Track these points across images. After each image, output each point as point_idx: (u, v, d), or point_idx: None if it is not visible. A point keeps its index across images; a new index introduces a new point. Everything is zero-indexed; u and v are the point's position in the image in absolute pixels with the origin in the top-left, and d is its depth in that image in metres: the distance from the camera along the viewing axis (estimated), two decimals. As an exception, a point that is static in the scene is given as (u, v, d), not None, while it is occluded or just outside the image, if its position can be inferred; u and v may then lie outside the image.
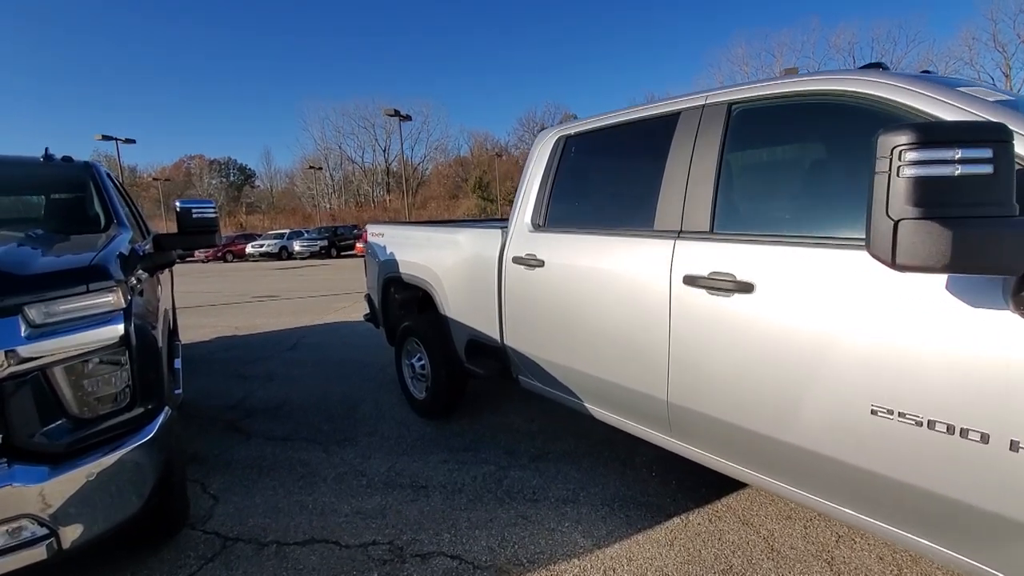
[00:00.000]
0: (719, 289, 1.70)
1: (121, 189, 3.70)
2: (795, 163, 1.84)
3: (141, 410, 1.92)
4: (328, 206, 69.22)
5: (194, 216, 3.11)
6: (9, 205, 3.19)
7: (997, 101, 1.35)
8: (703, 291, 1.75)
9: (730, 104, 1.88)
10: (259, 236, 30.57)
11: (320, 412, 3.86)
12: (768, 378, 1.59)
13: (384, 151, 65.92)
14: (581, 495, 2.61)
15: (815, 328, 1.48)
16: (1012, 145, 1.02)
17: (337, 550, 2.26)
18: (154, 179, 67.03)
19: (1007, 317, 1.14)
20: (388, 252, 3.80)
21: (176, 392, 3.26)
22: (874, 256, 1.08)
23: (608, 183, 2.35)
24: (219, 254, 27.14)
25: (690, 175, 1.90)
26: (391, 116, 24.36)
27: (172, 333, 4.67)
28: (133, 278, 2.19)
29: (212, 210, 3.25)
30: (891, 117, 1.45)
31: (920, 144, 1.02)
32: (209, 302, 10.52)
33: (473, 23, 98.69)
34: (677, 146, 1.98)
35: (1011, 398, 1.15)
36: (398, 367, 3.90)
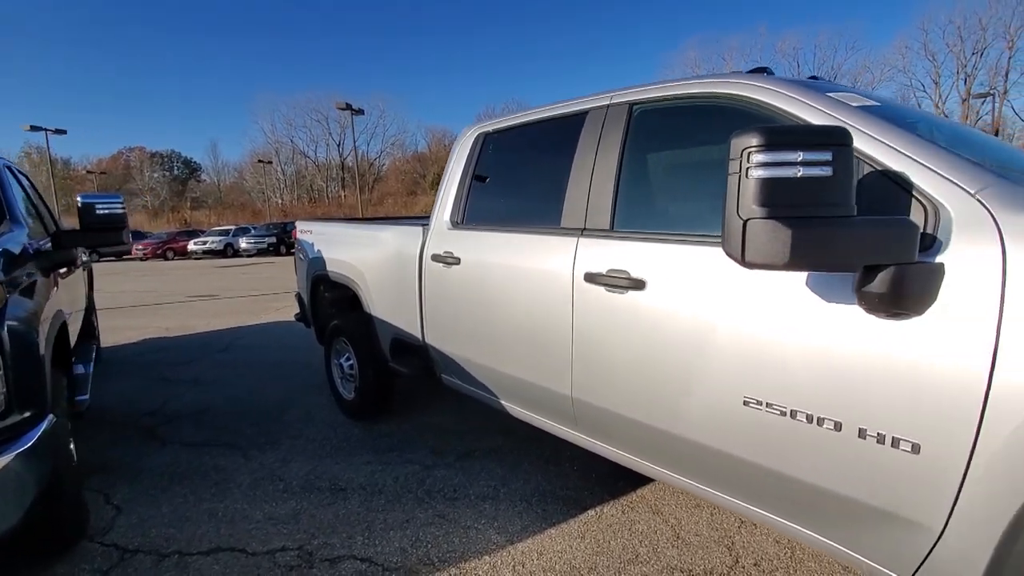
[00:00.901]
0: (615, 286, 1.74)
1: (27, 185, 3.44)
2: (685, 163, 1.89)
3: (18, 418, 1.79)
4: (279, 201, 67.03)
5: (99, 212, 2.94)
6: None
7: (860, 107, 1.42)
8: (602, 288, 1.78)
9: (631, 104, 1.91)
10: (203, 232, 29.24)
11: (245, 416, 3.72)
12: (658, 373, 1.63)
13: (338, 146, 64.28)
14: (502, 491, 2.62)
15: (696, 323, 1.53)
16: (851, 149, 1.08)
17: (243, 558, 2.18)
18: (88, 172, 63.03)
19: (854, 311, 1.21)
20: (316, 250, 3.70)
21: (80, 399, 3.08)
22: (728, 254, 1.12)
23: (522, 181, 2.36)
24: (159, 251, 25.82)
25: (594, 174, 1.93)
26: (343, 110, 23.78)
27: (85, 335, 4.42)
28: (16, 278, 2.04)
29: (119, 205, 3.08)
30: (768, 119, 1.51)
31: (766, 146, 1.06)
32: (141, 302, 9.99)
33: (432, 17, 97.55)
34: (583, 145, 2.00)
35: (858, 388, 1.22)
36: (327, 367, 3.81)
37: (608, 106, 1.98)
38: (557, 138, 2.15)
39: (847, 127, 1.35)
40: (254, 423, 3.59)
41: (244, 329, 6.90)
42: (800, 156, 1.05)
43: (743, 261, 1.09)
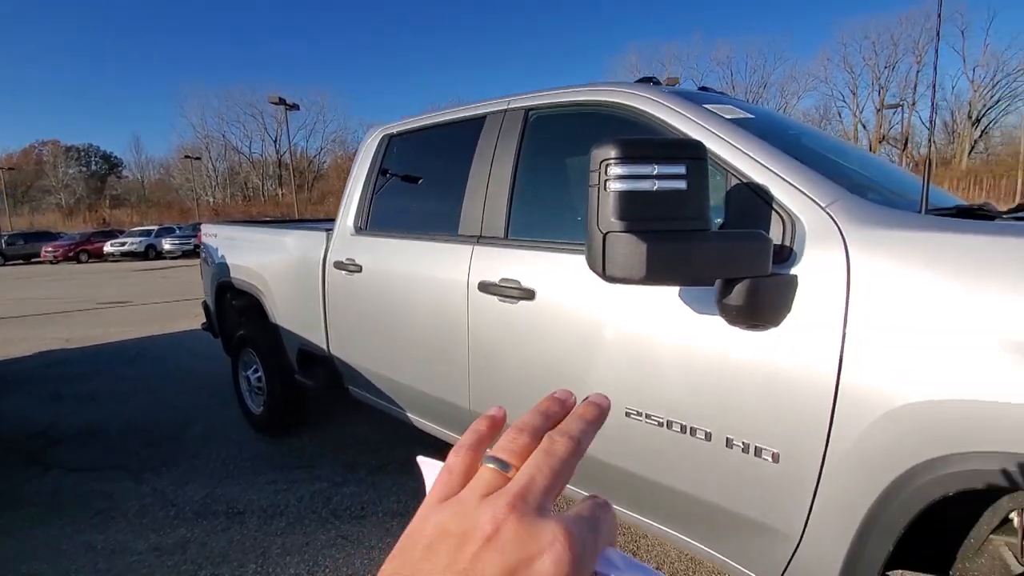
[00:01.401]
0: (507, 296, 1.70)
1: None
2: (574, 171, 1.88)
3: None
4: (211, 200, 63.59)
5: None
6: None
7: (733, 119, 1.45)
8: (495, 298, 1.74)
9: (527, 110, 1.88)
10: (122, 233, 27.20)
11: (142, 435, 3.44)
12: (549, 386, 1.60)
13: (275, 142, 61.69)
14: (413, 506, 2.52)
15: (581, 334, 1.51)
16: (704, 163, 1.07)
17: (117, 597, 1.99)
18: (-10, 166, 57.41)
19: (719, 323, 1.22)
20: (220, 255, 3.47)
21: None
22: (591, 268, 1.09)
23: (424, 186, 2.28)
24: (71, 254, 23.80)
25: (490, 180, 1.88)
26: (276, 104, 22.77)
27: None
28: None
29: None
30: (648, 128, 1.51)
31: (622, 159, 1.04)
32: (43, 310, 9.14)
33: (376, 14, 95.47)
34: (481, 150, 1.95)
35: (724, 398, 1.23)
36: (234, 380, 3.58)
37: (506, 111, 1.94)
38: (459, 142, 2.09)
39: (717, 138, 1.37)
40: (151, 443, 3.32)
41: (155, 339, 6.44)
42: (655, 169, 1.04)
43: (604, 275, 1.07)
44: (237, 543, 2.27)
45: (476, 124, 2.03)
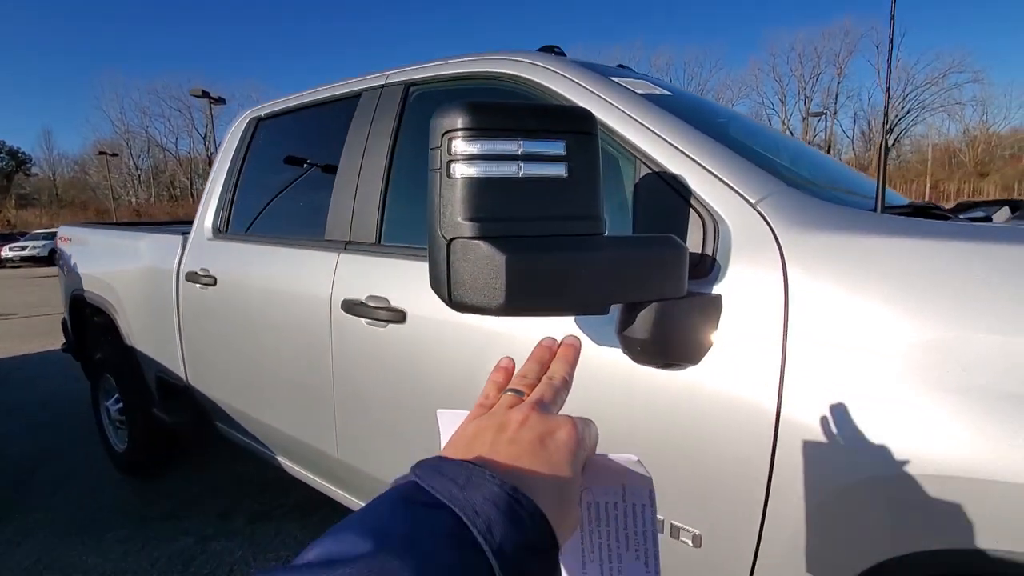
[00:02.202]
0: (375, 319, 1.33)
1: None
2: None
3: None
4: (133, 200, 59.27)
5: None
6: None
7: (645, 94, 1.15)
8: (362, 320, 1.37)
9: (408, 85, 1.52)
10: (24, 236, 24.61)
11: (-26, 483, 2.81)
12: (427, 430, 1.25)
13: (204, 138, 58.10)
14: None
15: (461, 370, 1.17)
16: (595, 139, 0.76)
17: None
18: None
19: (622, 360, 0.91)
20: (73, 263, 2.90)
21: None
22: (434, 290, 0.75)
23: (291, 178, 1.88)
24: (-41, 259, 21.24)
25: (362, 172, 1.51)
26: (199, 97, 21.20)
27: None
28: None
29: None
30: (544, 107, 1.19)
31: (473, 130, 0.70)
32: (-99, 325, 7.88)
33: (311, 4, 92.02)
34: (353, 135, 1.58)
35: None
36: (95, 410, 3.02)
37: (383, 87, 1.58)
38: (331, 126, 1.71)
39: (623, 116, 1.06)
40: (-15, 493, 2.71)
41: (33, 357, 5.61)
42: (521, 146, 0.71)
43: (448, 300, 0.73)
44: (54, 632, 1.78)
45: (350, 104, 1.65)
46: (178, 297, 2.06)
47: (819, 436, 0.76)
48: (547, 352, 0.45)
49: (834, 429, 0.75)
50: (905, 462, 0.70)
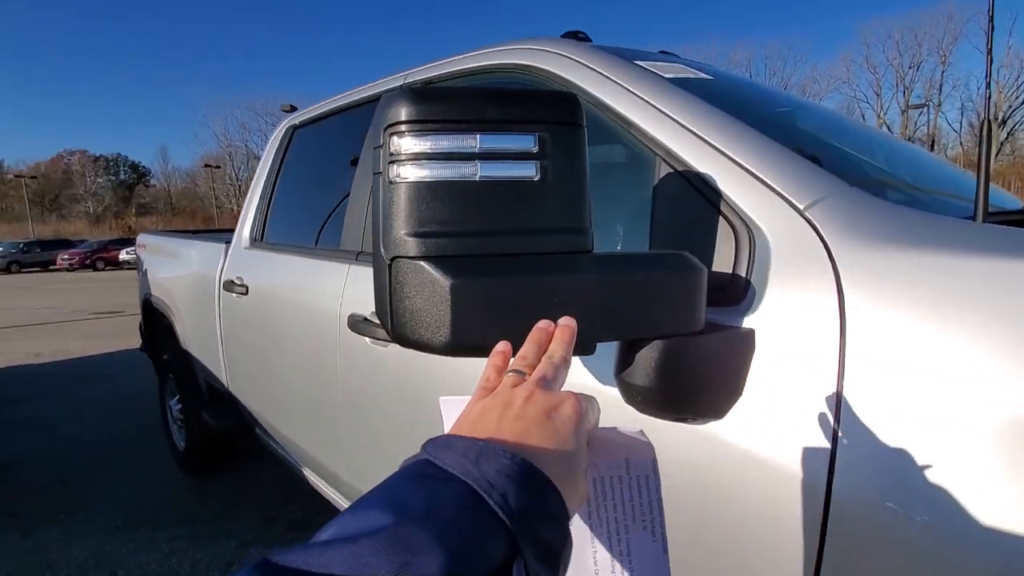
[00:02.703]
0: (377, 338, 1.23)
1: None
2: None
3: None
4: (234, 207, 64.71)
5: None
6: None
7: (674, 78, 0.96)
8: (366, 340, 1.27)
9: (426, 84, 1.42)
10: (139, 241, 27.44)
11: (58, 472, 3.05)
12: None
13: (294, 151, 62.34)
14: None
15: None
16: (578, 130, 0.60)
17: None
18: (17, 175, 59.16)
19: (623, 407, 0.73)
20: (145, 268, 3.09)
21: None
22: (379, 319, 0.62)
23: (317, 186, 1.83)
24: (87, 261, 24.11)
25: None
26: (287, 112, 22.64)
27: None
28: None
29: None
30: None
31: (419, 124, 0.57)
32: (33, 320, 8.98)
33: (398, 14, 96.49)
34: (371, 139, 1.50)
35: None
36: (162, 409, 3.18)
37: (402, 88, 1.48)
38: (355, 131, 1.65)
39: (645, 106, 0.89)
40: (63, 482, 2.93)
41: (127, 354, 6.12)
42: (477, 142, 0.57)
43: (391, 334, 0.60)
44: (95, 629, 1.84)
45: (371, 108, 1.57)
46: (219, 304, 2.09)
47: (887, 528, 0.55)
48: (544, 334, 0.46)
49: (917, 517, 0.54)
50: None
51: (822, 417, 0.60)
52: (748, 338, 0.66)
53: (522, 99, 0.59)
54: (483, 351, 0.57)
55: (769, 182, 0.71)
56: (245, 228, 2.06)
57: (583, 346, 0.60)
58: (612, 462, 0.40)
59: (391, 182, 0.58)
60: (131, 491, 2.81)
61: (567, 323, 0.46)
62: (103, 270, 24.07)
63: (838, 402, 0.59)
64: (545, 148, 0.58)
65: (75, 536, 2.41)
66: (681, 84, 0.94)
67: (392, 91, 0.59)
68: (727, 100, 0.95)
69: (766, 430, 0.64)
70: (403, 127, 0.57)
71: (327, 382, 1.42)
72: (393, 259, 0.58)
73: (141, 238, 3.40)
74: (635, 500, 0.40)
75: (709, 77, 1.07)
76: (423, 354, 0.61)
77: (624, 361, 0.65)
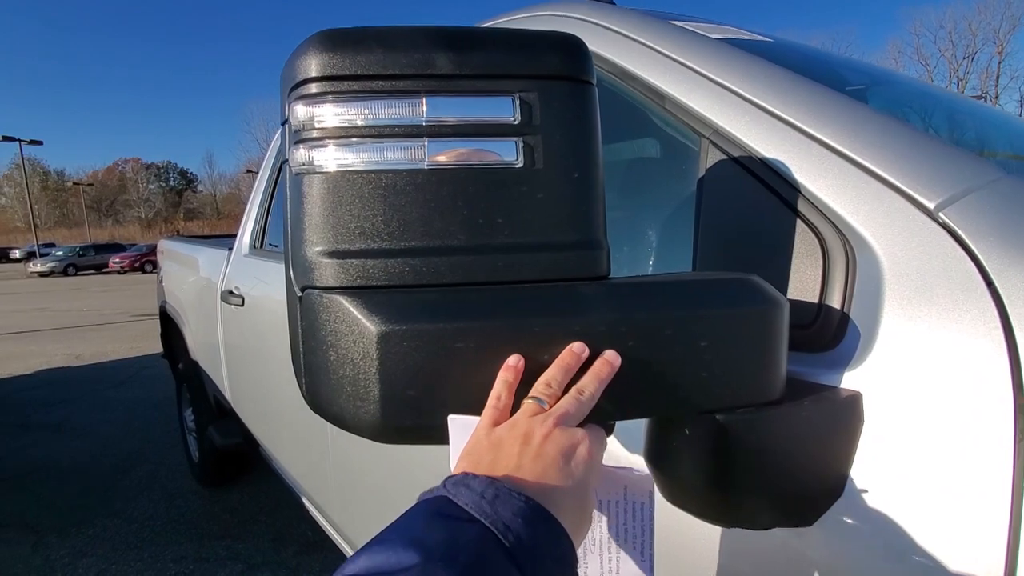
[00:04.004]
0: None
1: None
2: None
3: None
4: (273, 212, 66.87)
5: None
6: None
7: (724, 39, 0.74)
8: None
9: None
10: (185, 244, 28.54)
11: (81, 479, 3.02)
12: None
13: (332, 155, 63.85)
14: (328, 613, 1.91)
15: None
16: (586, 92, 0.39)
17: None
18: (75, 183, 62.67)
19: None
20: (161, 275, 3.02)
21: None
22: (296, 376, 0.43)
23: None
24: (137, 264, 25.19)
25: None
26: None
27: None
28: None
29: None
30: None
31: (335, 81, 0.37)
32: (78, 322, 9.31)
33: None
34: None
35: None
36: (180, 418, 3.11)
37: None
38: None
39: (688, 73, 0.66)
40: (81, 491, 2.89)
41: (161, 358, 6.21)
42: (423, 109, 0.37)
43: (305, 396, 0.40)
44: (87, 662, 1.73)
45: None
46: (220, 315, 1.96)
47: None
48: (575, 360, 0.40)
49: None
50: None
51: (986, 524, 0.37)
52: (852, 406, 0.43)
53: (495, 42, 0.38)
54: (429, 437, 0.37)
55: (877, 170, 0.48)
56: (246, 234, 1.92)
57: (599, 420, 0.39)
58: (611, 487, 0.41)
59: (297, 173, 0.38)
60: (145, 503, 2.74)
61: (611, 359, 0.39)
62: (150, 272, 25.07)
63: (1018, 504, 0.36)
64: (531, 116, 0.37)
65: (83, 553, 2.33)
66: (734, 45, 0.72)
67: (304, 41, 0.39)
68: (798, 65, 0.72)
69: (884, 546, 0.41)
70: (314, 87, 0.37)
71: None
72: (304, 289, 0.39)
73: (161, 244, 3.35)
74: (629, 524, 0.40)
75: (768, 39, 0.83)
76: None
77: (659, 442, 0.43)
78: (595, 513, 0.40)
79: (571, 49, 0.39)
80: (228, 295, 1.82)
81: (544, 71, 0.38)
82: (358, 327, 0.35)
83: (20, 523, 2.61)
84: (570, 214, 0.37)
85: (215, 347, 2.08)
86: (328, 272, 0.37)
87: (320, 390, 0.38)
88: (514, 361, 0.41)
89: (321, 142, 0.37)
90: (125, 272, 25.04)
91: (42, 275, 24.88)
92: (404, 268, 0.36)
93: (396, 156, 0.37)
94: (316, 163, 0.38)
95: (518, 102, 0.37)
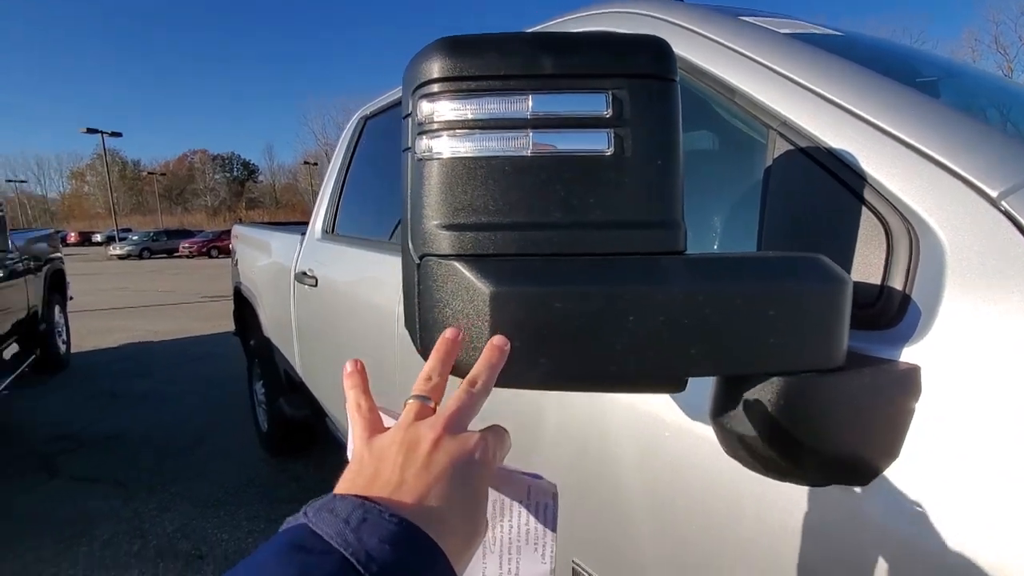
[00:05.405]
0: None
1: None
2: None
3: None
4: (328, 202, 69.35)
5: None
6: None
7: (792, 33, 0.76)
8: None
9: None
10: (247, 232, 30.16)
11: (160, 446, 3.31)
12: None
13: (384, 147, 65.47)
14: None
15: (522, 420, 0.90)
16: (670, 86, 0.44)
17: (25, 659, 1.72)
18: (149, 173, 66.87)
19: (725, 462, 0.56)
20: (236, 258, 3.25)
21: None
22: (408, 330, 0.50)
23: (386, 177, 1.77)
24: (203, 249, 26.76)
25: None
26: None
27: (24, 343, 4.17)
28: None
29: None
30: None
31: (456, 82, 0.44)
32: (154, 302, 10.03)
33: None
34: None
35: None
36: (250, 391, 3.35)
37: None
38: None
39: (756, 68, 0.70)
40: (163, 455, 3.17)
41: (231, 336, 6.64)
42: (528, 106, 0.43)
43: (418, 349, 0.48)
44: (175, 603, 1.94)
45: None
46: (293, 295, 2.12)
47: None
48: (452, 347, 0.40)
49: None
50: None
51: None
52: (910, 378, 0.46)
53: (590, 45, 0.44)
54: (531, 382, 0.43)
55: (941, 159, 0.51)
56: (318, 220, 2.06)
57: (669, 379, 0.44)
58: (514, 489, 0.40)
59: (420, 159, 0.45)
60: (220, 468, 2.97)
61: (499, 344, 0.39)
62: (216, 257, 26.61)
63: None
64: (622, 111, 0.43)
65: (166, 508, 2.57)
66: (803, 39, 0.74)
67: (428, 45, 0.46)
68: (866, 58, 0.74)
69: (934, 509, 0.45)
70: (435, 87, 0.44)
71: (385, 380, 1.35)
72: (422, 257, 0.46)
73: (235, 229, 3.59)
74: (530, 524, 0.40)
75: (838, 32, 0.85)
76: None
77: (725, 400, 0.48)
78: (497, 512, 0.39)
79: (658, 50, 0.44)
80: (302, 276, 1.96)
81: (634, 70, 0.43)
82: (472, 288, 0.42)
83: (112, 480, 2.90)
84: (653, 197, 0.43)
85: (287, 325, 2.24)
86: (444, 242, 0.44)
87: (434, 342, 0.45)
88: (351, 367, 0.42)
89: (440, 133, 0.44)
90: (193, 256, 26.68)
91: (120, 258, 26.87)
92: (509, 239, 0.43)
93: (504, 145, 0.44)
94: (436, 151, 0.45)
95: (611, 98, 0.43)
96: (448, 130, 0.44)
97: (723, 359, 0.42)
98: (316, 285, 1.85)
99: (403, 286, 0.49)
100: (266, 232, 2.77)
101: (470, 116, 0.44)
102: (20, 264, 4.09)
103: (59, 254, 5.40)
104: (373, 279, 1.46)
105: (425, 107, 0.45)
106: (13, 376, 3.59)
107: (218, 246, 27.45)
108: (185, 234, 31.28)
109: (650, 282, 0.41)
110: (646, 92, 0.43)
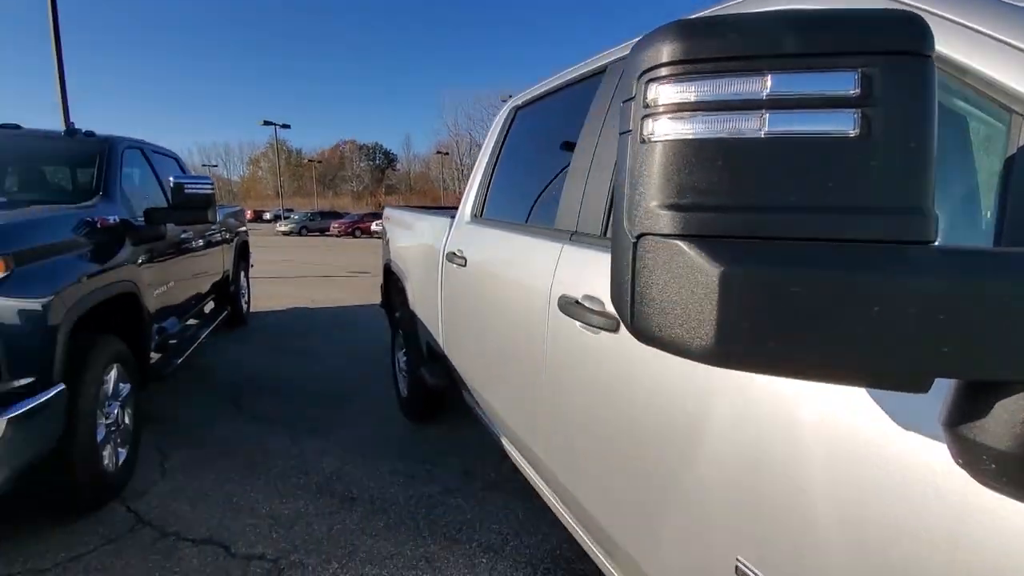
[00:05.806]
0: (588, 323, 1.15)
1: (149, 165, 3.83)
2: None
3: (12, 385, 1.86)
4: (456, 189, 72.72)
5: (186, 192, 3.12)
6: (27, 174, 3.46)
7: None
8: (576, 323, 1.21)
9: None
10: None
11: (318, 397, 3.79)
12: (638, 460, 1.03)
13: (512, 136, 67.08)
14: (510, 545, 2.15)
15: (682, 396, 0.90)
16: (925, 67, 0.41)
17: (222, 557, 2.10)
18: (309, 160, 75.29)
19: (951, 473, 0.51)
20: (387, 238, 3.58)
21: (174, 360, 3.39)
22: (615, 307, 0.53)
23: (535, 166, 1.82)
24: (349, 230, 29.65)
25: (596, 153, 1.34)
26: (506, 101, 24.28)
27: (218, 303, 4.98)
28: (46, 249, 2.07)
29: (207, 186, 3.24)
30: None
31: (688, 64, 0.45)
32: (310, 273, 11.36)
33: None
34: (592, 115, 1.42)
35: None
36: (392, 359, 3.68)
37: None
38: (575, 108, 1.58)
39: (1000, 45, 0.62)
40: (320, 406, 3.62)
41: (375, 308, 7.32)
42: (767, 85, 0.43)
43: (631, 326, 0.50)
44: (334, 534, 2.22)
45: (594, 82, 1.49)
46: (441, 273, 2.28)
47: None
48: None
49: None
50: None
51: None
52: None
53: (840, 22, 0.42)
54: (756, 365, 0.43)
55: None
56: (468, 204, 2.19)
57: (913, 378, 0.42)
58: None
59: (643, 140, 0.47)
60: (367, 423, 3.33)
61: None
62: (359, 237, 29.41)
63: None
64: (872, 90, 0.41)
65: (325, 452, 2.94)
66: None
67: (655, 30, 0.47)
68: None
69: None
70: (664, 71, 0.46)
71: (532, 361, 1.41)
72: (640, 236, 0.48)
73: (386, 211, 3.94)
74: None
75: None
76: (644, 347, 0.50)
77: (966, 407, 0.44)
78: None
79: (915, 25, 0.41)
80: (452, 256, 2.11)
81: (888, 47, 0.41)
82: (699, 267, 0.43)
83: (282, 421, 3.38)
84: (903, 181, 0.41)
85: (433, 300, 2.42)
86: (665, 222, 0.46)
87: (650, 319, 0.47)
88: None
89: (666, 115, 0.46)
90: (340, 236, 29.70)
91: (284, 234, 30.83)
92: (738, 221, 0.43)
93: (736, 127, 0.44)
94: (662, 133, 0.46)
95: (859, 76, 0.41)
96: (676, 112, 0.46)
97: (979, 361, 0.39)
98: (465, 264, 1.98)
99: (613, 264, 0.52)
100: (416, 215, 3.00)
101: (700, 98, 0.45)
102: (219, 235, 4.88)
103: (244, 228, 6.34)
104: (523, 261, 1.53)
105: (652, 90, 0.46)
106: (211, 327, 4.32)
107: (360, 227, 30.26)
108: (334, 215, 34.95)
109: (901, 272, 0.39)
110: (902, 70, 0.41)
